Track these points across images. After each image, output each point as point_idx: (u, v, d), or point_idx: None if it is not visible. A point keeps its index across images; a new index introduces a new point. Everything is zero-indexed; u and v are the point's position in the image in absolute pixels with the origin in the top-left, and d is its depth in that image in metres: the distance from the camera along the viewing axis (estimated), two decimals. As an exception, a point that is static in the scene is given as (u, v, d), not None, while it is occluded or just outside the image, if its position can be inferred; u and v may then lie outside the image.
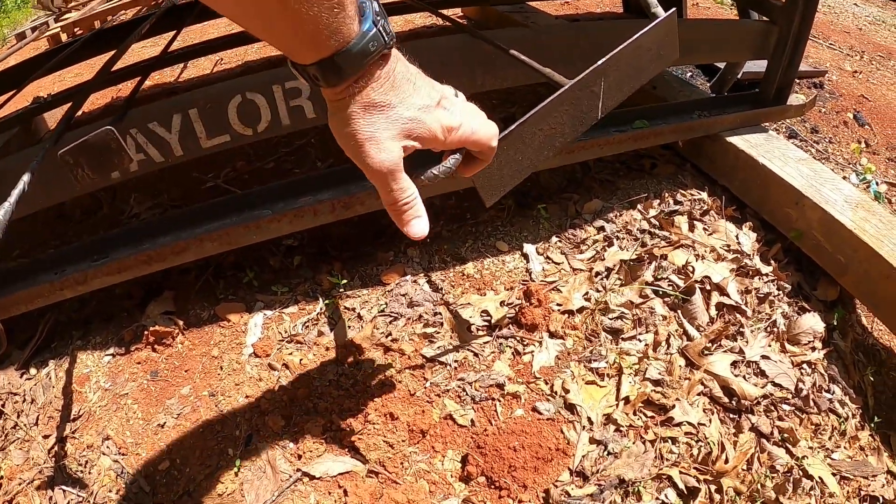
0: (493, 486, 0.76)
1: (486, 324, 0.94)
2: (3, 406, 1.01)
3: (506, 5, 1.80)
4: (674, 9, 0.72)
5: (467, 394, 0.86)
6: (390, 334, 0.92)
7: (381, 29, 0.38)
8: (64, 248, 0.96)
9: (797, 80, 1.71)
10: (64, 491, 0.90)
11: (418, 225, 0.46)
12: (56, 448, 0.95)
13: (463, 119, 0.45)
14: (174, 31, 1.41)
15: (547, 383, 0.89)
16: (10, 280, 0.94)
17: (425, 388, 0.86)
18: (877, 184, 1.49)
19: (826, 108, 1.70)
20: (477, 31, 0.91)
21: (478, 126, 0.46)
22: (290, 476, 0.80)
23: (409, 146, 0.43)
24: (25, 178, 0.72)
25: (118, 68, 1.44)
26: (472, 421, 0.83)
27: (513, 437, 0.79)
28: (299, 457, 0.81)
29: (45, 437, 0.96)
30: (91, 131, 0.74)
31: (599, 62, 0.65)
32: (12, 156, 1.02)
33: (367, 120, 0.41)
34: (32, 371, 1.04)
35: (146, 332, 0.96)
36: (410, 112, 0.42)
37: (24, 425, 1.00)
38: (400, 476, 0.77)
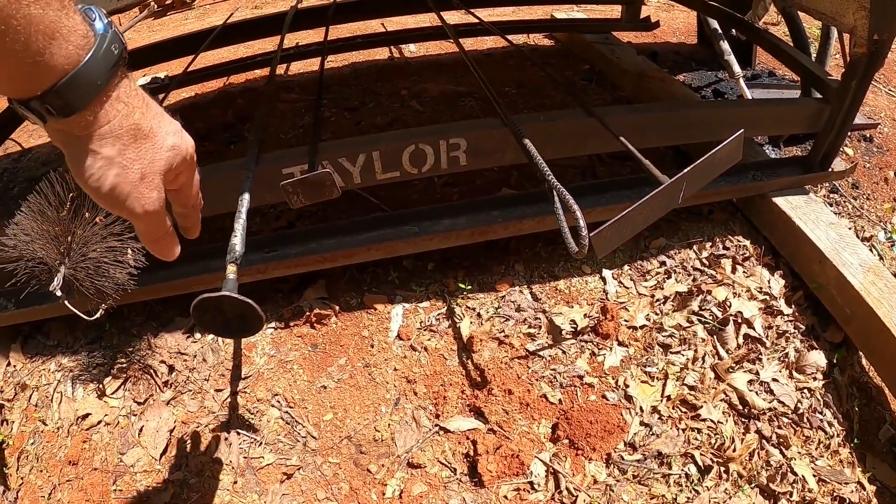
0: (573, 447, 1.33)
1: (573, 330, 1.48)
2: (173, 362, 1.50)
3: (593, 34, 2.31)
4: (741, 130, 1.24)
5: (557, 381, 1.41)
6: (503, 331, 1.46)
7: (113, 29, 0.36)
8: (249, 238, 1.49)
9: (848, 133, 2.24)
10: (238, 433, 1.29)
11: (176, 248, 0.52)
12: (229, 400, 1.33)
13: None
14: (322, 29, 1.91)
15: (613, 379, 1.44)
16: (195, 263, 1.42)
17: (528, 373, 1.41)
18: (902, 243, 2.03)
19: (870, 164, 2.19)
20: (591, 109, 1.44)
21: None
22: (430, 429, 1.36)
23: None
24: (245, 198, 1.19)
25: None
26: (559, 400, 1.39)
27: (588, 414, 1.36)
28: (437, 416, 1.37)
29: (217, 390, 1.36)
30: (287, 157, 1.25)
31: (686, 169, 1.16)
32: (220, 166, 1.51)
33: (136, 153, 0.38)
34: (197, 335, 1.49)
35: (308, 313, 1.50)
36: (171, 139, 0.41)
37: (196, 380, 1.41)
38: (511, 434, 1.34)
